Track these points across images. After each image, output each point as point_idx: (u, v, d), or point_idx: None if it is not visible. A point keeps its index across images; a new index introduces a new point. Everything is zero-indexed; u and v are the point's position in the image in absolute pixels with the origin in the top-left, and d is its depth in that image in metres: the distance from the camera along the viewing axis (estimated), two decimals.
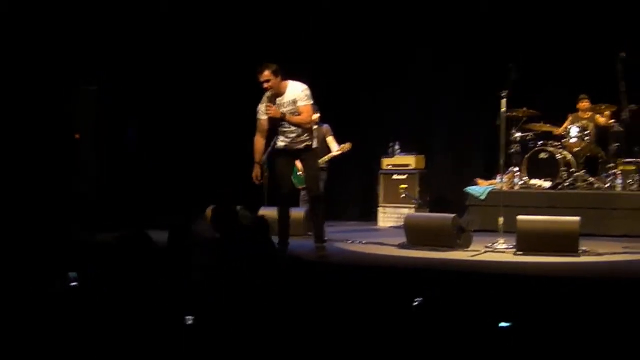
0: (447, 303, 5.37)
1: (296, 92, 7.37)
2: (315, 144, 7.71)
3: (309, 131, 7.59)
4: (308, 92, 7.43)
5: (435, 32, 11.69)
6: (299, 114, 7.38)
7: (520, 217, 7.91)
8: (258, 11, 12.08)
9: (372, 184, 11.85)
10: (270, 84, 7.29)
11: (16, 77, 10.51)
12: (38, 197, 10.31)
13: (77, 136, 10.85)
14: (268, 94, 7.43)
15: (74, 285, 5.60)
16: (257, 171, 7.49)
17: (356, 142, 10.15)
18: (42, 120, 10.69)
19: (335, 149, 9.75)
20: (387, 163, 11.59)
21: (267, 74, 7.24)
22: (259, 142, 7.52)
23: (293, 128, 7.46)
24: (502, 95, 8.29)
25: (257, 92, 7.56)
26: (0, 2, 10.41)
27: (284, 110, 7.37)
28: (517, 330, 4.58)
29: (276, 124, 7.51)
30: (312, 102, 7.49)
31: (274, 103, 7.40)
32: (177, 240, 5.94)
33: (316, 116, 9.20)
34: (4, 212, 9.74)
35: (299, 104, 7.37)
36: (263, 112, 7.45)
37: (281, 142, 7.61)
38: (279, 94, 7.36)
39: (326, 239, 7.76)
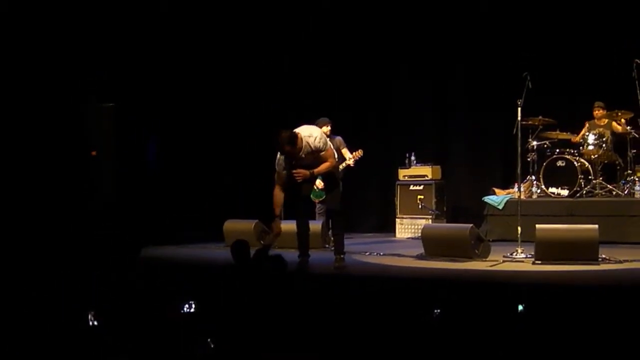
0: (466, 313, 5.35)
1: (314, 144, 7.29)
2: (334, 161, 7.73)
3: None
4: (323, 138, 7.43)
5: (450, 41, 11.68)
6: (324, 160, 7.39)
7: (538, 226, 7.87)
8: (278, 23, 12.13)
9: (389, 195, 11.85)
10: (290, 152, 7.24)
11: (31, 94, 10.57)
12: (52, 214, 10.35)
13: (94, 153, 10.89)
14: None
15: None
16: (277, 224, 7.30)
17: (373, 154, 10.16)
18: (57, 137, 10.74)
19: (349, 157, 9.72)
20: (403, 174, 11.58)
21: (288, 149, 7.16)
22: (279, 195, 7.38)
23: (312, 160, 7.43)
24: (518, 104, 8.27)
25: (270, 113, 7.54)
26: (17, 19, 10.47)
27: (305, 162, 7.35)
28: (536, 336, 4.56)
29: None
30: (329, 143, 7.54)
31: (294, 157, 7.35)
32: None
33: (326, 129, 9.22)
34: (18, 228, 9.80)
35: (322, 153, 7.36)
36: (282, 165, 7.37)
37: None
38: (299, 151, 7.31)
39: (345, 251, 7.77)
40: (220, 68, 11.94)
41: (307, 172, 7.31)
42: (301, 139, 7.25)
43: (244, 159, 11.83)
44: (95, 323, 5.47)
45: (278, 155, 7.38)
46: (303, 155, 7.35)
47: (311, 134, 7.33)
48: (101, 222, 10.47)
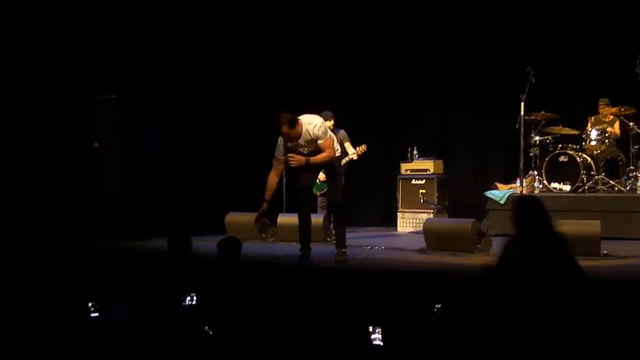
0: (467, 307, 5.34)
1: (313, 131, 7.30)
2: (337, 153, 7.72)
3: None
4: (324, 127, 7.42)
5: (453, 35, 11.66)
6: (322, 150, 7.38)
7: None
8: (279, 20, 12.12)
9: (391, 189, 11.84)
10: (290, 136, 7.27)
11: (33, 87, 10.58)
12: (55, 205, 10.37)
13: (96, 144, 10.89)
14: (288, 143, 7.41)
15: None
16: (262, 208, 7.37)
17: (375, 147, 10.14)
18: (59, 129, 10.75)
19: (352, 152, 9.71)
20: (405, 168, 11.57)
21: (285, 129, 7.18)
22: (273, 180, 7.44)
23: (311, 150, 7.44)
24: (521, 98, 8.26)
25: (276, 102, 7.55)
26: (20, 12, 10.47)
27: (303, 150, 7.38)
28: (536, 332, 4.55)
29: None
30: (329, 134, 7.51)
31: (293, 144, 7.38)
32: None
33: (329, 123, 9.23)
34: (20, 220, 9.83)
35: (320, 141, 7.35)
36: (281, 150, 7.42)
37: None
38: (297, 136, 7.33)
39: (346, 244, 7.76)
40: (223, 60, 11.94)
41: (302, 158, 7.31)
42: (301, 125, 7.27)
43: (246, 152, 11.83)
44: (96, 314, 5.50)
45: (279, 141, 7.41)
46: (303, 143, 7.37)
47: (311, 122, 7.34)
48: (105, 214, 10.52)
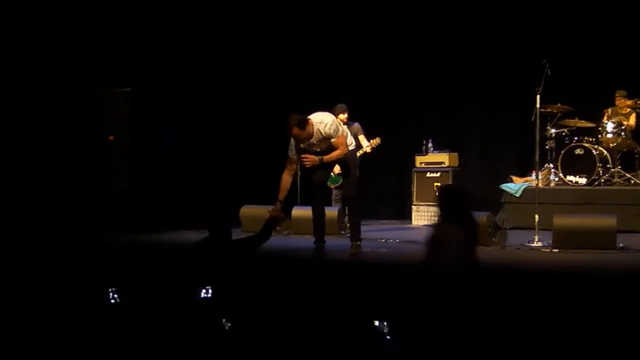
0: (481, 299, 5.33)
1: (325, 130, 7.28)
2: (352, 147, 7.70)
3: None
4: (335, 124, 7.38)
5: (468, 27, 11.61)
6: (335, 148, 7.36)
7: (556, 217, 7.84)
8: (293, 20, 12.12)
9: (406, 182, 11.82)
10: (301, 137, 7.26)
11: (48, 80, 10.62)
12: (69, 199, 10.42)
13: (111, 138, 10.92)
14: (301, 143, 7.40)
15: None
16: (276, 208, 7.14)
17: (390, 140, 10.12)
18: (74, 122, 10.79)
19: (366, 145, 9.69)
20: (420, 161, 11.53)
21: (295, 131, 7.16)
22: (286, 180, 7.41)
23: (325, 148, 7.42)
24: (537, 91, 8.22)
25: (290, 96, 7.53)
26: (35, 5, 10.51)
27: (316, 149, 7.37)
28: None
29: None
30: (341, 130, 7.47)
31: (305, 144, 7.37)
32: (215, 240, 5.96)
33: (343, 116, 9.22)
34: (34, 214, 9.87)
35: (333, 140, 7.33)
36: (293, 150, 7.41)
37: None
38: (309, 137, 7.32)
39: (361, 237, 7.75)
40: (238, 55, 11.95)
41: (315, 158, 7.30)
42: (312, 125, 7.25)
43: (260, 146, 11.83)
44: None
45: (291, 141, 7.39)
46: (315, 142, 7.36)
47: (322, 120, 7.31)
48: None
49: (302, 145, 7.36)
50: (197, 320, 5.10)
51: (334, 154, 7.38)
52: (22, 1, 10.45)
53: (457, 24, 11.68)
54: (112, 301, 5.64)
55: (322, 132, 7.28)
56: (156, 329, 5.07)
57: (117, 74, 10.83)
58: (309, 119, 7.27)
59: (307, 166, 7.34)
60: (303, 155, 7.33)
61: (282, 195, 7.34)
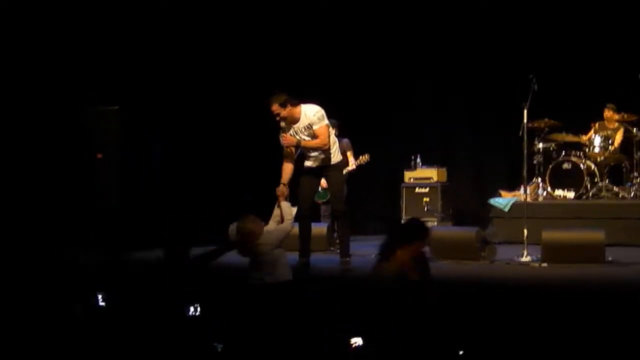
0: (471, 315, 5.33)
1: (310, 117, 7.39)
2: (338, 158, 7.72)
3: (330, 149, 7.61)
4: (321, 113, 7.45)
5: (455, 43, 11.66)
6: (316, 137, 7.41)
7: (545, 231, 7.87)
8: (285, 27, 12.12)
9: (395, 197, 11.81)
10: (280, 116, 7.34)
11: (35, 98, 10.60)
12: (57, 216, 10.36)
13: (99, 156, 10.89)
14: (282, 123, 7.46)
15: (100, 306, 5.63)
16: (282, 188, 7.19)
17: (378, 156, 10.12)
18: (62, 140, 10.76)
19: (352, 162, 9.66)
20: (409, 176, 11.53)
21: (275, 107, 7.28)
22: (287, 166, 7.51)
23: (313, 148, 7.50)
24: (524, 106, 8.26)
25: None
26: (22, 24, 10.50)
27: (301, 136, 7.43)
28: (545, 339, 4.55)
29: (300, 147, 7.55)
30: (326, 122, 7.51)
31: (290, 130, 7.44)
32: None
33: (333, 131, 9.21)
34: (22, 231, 9.82)
35: (314, 127, 7.41)
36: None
37: (307, 162, 7.66)
38: (294, 121, 7.38)
39: (350, 253, 7.75)
40: (226, 71, 11.93)
41: (293, 139, 7.40)
42: (300, 110, 7.38)
43: (250, 162, 11.80)
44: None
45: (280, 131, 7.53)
46: (301, 128, 7.44)
47: (311, 109, 7.44)
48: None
49: (290, 133, 7.45)
50: (177, 338, 5.08)
51: (313, 142, 7.46)
52: (10, 20, 10.44)
53: (445, 40, 11.72)
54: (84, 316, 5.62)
55: (308, 118, 7.37)
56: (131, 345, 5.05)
57: (105, 92, 10.81)
58: (296, 102, 7.41)
59: (285, 144, 7.44)
60: (282, 134, 7.43)
61: (285, 178, 7.38)
